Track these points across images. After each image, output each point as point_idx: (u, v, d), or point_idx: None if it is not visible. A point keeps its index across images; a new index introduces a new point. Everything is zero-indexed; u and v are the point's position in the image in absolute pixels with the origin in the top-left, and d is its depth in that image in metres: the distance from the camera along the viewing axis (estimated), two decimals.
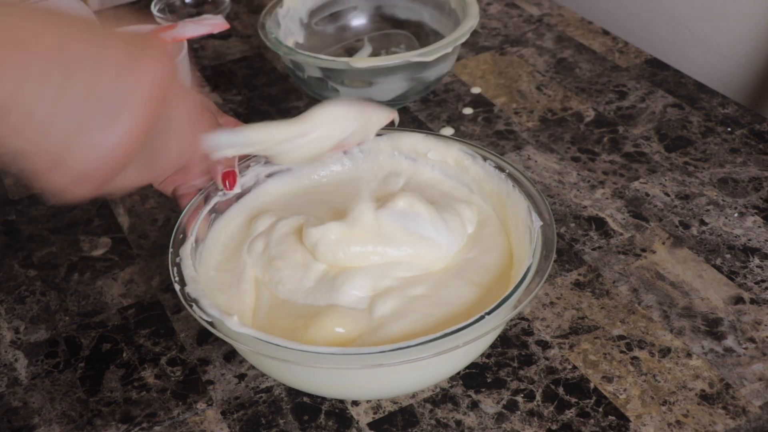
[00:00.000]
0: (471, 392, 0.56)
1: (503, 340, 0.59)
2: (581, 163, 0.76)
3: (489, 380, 0.56)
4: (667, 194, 0.72)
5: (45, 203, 0.74)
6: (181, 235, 0.54)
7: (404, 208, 0.55)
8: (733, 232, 0.67)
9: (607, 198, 0.71)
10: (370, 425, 0.54)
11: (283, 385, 0.56)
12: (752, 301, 0.61)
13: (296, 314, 0.52)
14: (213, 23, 0.88)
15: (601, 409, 0.54)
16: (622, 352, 0.58)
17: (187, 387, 0.57)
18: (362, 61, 0.75)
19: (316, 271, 0.54)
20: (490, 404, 0.55)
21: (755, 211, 0.69)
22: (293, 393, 0.56)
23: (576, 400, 0.55)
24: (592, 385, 0.55)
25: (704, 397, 0.54)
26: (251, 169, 0.61)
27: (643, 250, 0.66)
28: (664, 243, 0.66)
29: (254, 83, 0.91)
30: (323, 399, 0.56)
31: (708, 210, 0.70)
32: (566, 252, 0.66)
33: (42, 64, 0.37)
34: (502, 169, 0.59)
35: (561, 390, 0.55)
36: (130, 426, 0.54)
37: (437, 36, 0.85)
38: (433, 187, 0.62)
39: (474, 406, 0.55)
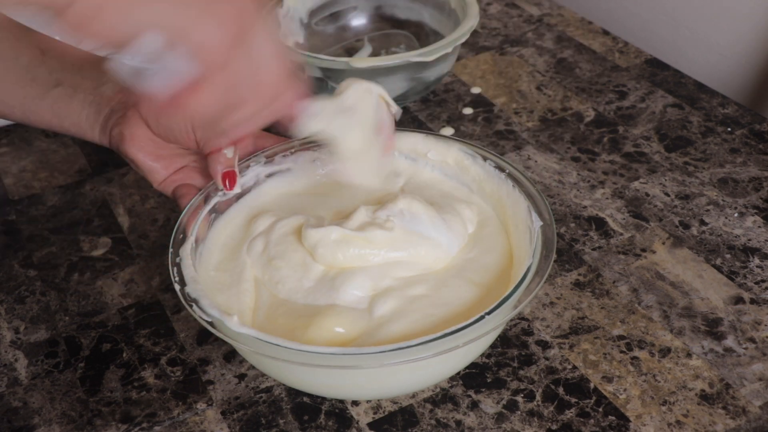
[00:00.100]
0: (471, 392, 0.56)
1: (503, 340, 0.59)
2: (581, 163, 0.76)
3: (489, 380, 0.56)
4: (667, 194, 0.72)
5: (45, 203, 0.74)
6: (181, 235, 0.54)
7: (404, 210, 0.55)
8: (733, 232, 0.67)
9: (607, 198, 0.71)
10: (370, 425, 0.54)
11: (283, 385, 0.56)
12: (752, 301, 0.61)
13: (296, 314, 0.52)
14: None
15: (601, 409, 0.54)
16: (622, 352, 0.58)
17: (187, 387, 0.57)
18: (362, 61, 0.75)
19: (316, 271, 0.54)
20: (490, 404, 0.55)
21: (755, 211, 0.69)
22: (293, 393, 0.56)
23: (576, 400, 0.55)
24: (592, 385, 0.56)
25: (704, 397, 0.54)
26: (251, 169, 0.61)
27: (643, 250, 0.66)
28: (664, 243, 0.66)
29: None
30: (323, 399, 0.56)
31: (708, 210, 0.70)
32: (566, 252, 0.66)
33: None
34: (502, 169, 0.59)
35: (561, 390, 0.55)
36: (130, 426, 0.54)
37: (437, 36, 0.85)
38: (433, 188, 0.62)
39: (474, 406, 0.55)
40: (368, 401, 0.55)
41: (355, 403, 0.55)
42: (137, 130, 0.58)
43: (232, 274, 0.55)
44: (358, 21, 0.91)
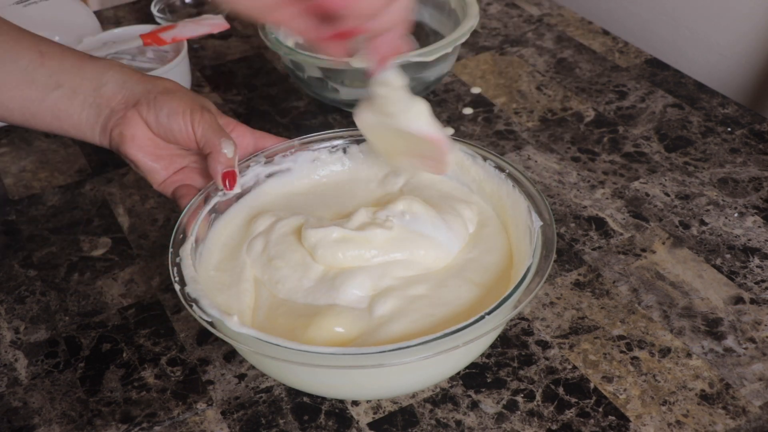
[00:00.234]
0: (471, 392, 0.56)
1: (503, 340, 0.59)
2: (581, 163, 0.76)
3: (489, 380, 0.56)
4: (667, 194, 0.72)
5: (45, 203, 0.74)
6: (181, 235, 0.54)
7: (404, 210, 0.56)
8: (733, 232, 0.67)
9: (607, 198, 0.71)
10: (370, 425, 0.54)
11: (283, 385, 0.56)
12: (752, 301, 0.61)
13: (296, 314, 0.52)
14: (213, 23, 0.88)
15: (601, 409, 0.54)
16: (622, 352, 0.58)
17: (187, 387, 0.57)
18: (362, 61, 0.74)
19: (316, 271, 0.54)
20: (490, 404, 0.55)
21: (755, 211, 0.69)
22: (293, 393, 0.56)
23: (576, 400, 0.55)
24: (592, 385, 0.56)
25: (704, 397, 0.54)
26: (251, 169, 0.61)
27: (643, 250, 0.66)
28: (664, 243, 0.66)
29: (254, 83, 0.91)
30: (323, 399, 0.56)
31: (708, 210, 0.70)
32: (566, 252, 0.66)
33: None
34: (502, 169, 0.59)
35: (561, 390, 0.55)
36: (130, 426, 0.54)
37: (437, 36, 0.85)
38: (433, 188, 0.62)
39: (474, 406, 0.55)
40: (368, 401, 0.55)
41: (355, 403, 0.55)
42: (137, 130, 0.58)
43: (232, 274, 0.55)
44: None
